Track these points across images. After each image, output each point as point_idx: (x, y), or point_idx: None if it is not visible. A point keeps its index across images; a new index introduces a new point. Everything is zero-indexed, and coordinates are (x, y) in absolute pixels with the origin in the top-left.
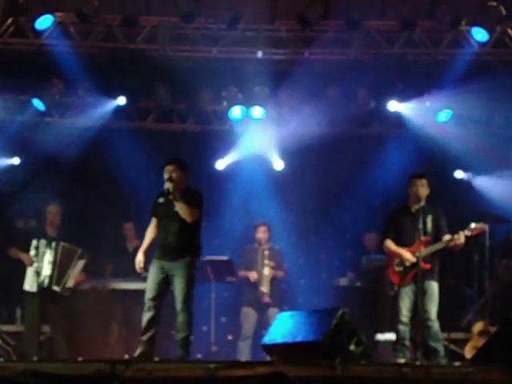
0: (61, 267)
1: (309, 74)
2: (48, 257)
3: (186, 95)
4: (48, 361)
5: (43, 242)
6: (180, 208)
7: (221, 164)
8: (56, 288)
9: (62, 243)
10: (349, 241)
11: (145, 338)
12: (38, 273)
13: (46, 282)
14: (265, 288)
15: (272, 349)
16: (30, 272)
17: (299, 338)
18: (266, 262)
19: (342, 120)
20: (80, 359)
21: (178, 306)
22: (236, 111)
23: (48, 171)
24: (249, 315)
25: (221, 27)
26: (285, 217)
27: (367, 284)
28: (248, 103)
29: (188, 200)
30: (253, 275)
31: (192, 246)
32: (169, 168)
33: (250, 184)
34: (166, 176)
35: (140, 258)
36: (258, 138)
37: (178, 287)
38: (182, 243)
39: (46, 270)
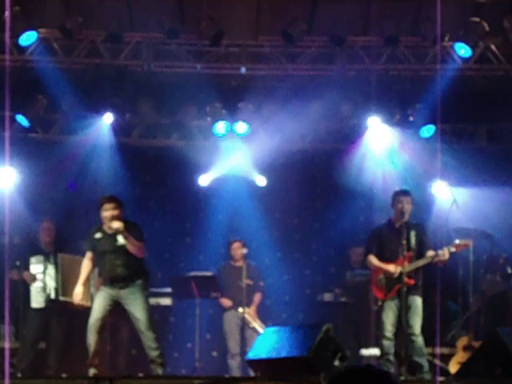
0: (65, 277)
1: (292, 89)
2: (50, 270)
3: (170, 111)
4: (32, 377)
5: (40, 257)
6: (130, 245)
7: (204, 180)
8: (63, 298)
9: (60, 254)
10: (333, 256)
11: (96, 360)
12: (43, 288)
13: (53, 294)
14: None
15: (257, 364)
16: (34, 289)
17: (284, 354)
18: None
19: (326, 136)
20: (64, 376)
21: (143, 326)
22: (220, 127)
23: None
24: (232, 332)
25: (204, 43)
26: (269, 233)
27: (351, 299)
28: (232, 119)
29: (134, 236)
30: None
31: (141, 271)
32: (109, 206)
33: (234, 200)
34: (107, 214)
35: (79, 290)
36: (242, 153)
37: (138, 309)
38: (131, 272)
39: (51, 283)
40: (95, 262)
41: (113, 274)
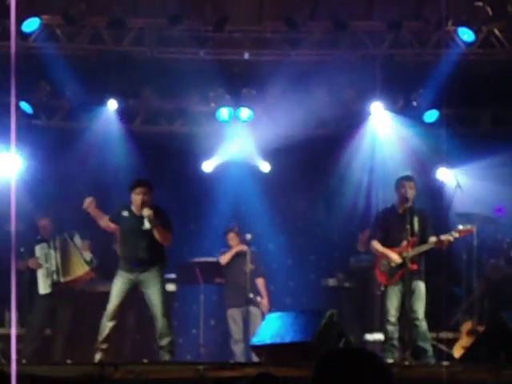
0: (63, 258)
1: (296, 74)
2: (53, 256)
3: (174, 97)
4: (37, 364)
5: (44, 245)
6: (157, 233)
7: (208, 166)
8: (63, 279)
9: (57, 237)
10: (337, 241)
11: (105, 346)
12: (48, 273)
13: (55, 277)
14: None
15: (260, 350)
16: (40, 275)
17: (288, 339)
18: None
19: (329, 121)
20: (69, 362)
21: (158, 312)
22: (224, 113)
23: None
24: (234, 317)
25: (208, 29)
26: (273, 218)
27: (355, 284)
28: (235, 104)
29: (162, 223)
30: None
31: (161, 257)
32: (142, 190)
33: (238, 185)
34: (138, 198)
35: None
36: (246, 139)
37: (156, 294)
38: (153, 256)
39: (53, 267)
40: (115, 232)
41: (134, 255)
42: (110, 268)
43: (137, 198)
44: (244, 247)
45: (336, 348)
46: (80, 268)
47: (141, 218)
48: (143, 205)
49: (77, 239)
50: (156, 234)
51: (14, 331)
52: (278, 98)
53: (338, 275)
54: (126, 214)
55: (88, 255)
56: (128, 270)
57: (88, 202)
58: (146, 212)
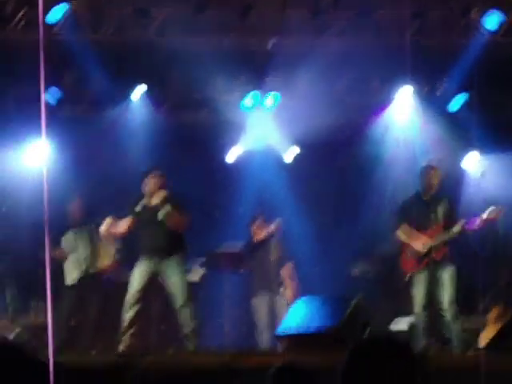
0: (91, 248)
1: (320, 62)
2: (80, 246)
3: (199, 86)
4: (63, 352)
5: (71, 234)
6: (170, 220)
7: (233, 154)
8: (93, 270)
9: (88, 227)
10: (363, 229)
11: (128, 335)
12: (76, 264)
13: (83, 267)
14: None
15: (285, 339)
16: (67, 266)
17: (313, 327)
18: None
19: (354, 108)
20: (94, 352)
21: (180, 301)
22: (248, 101)
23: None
24: (260, 305)
25: (232, 17)
26: (298, 206)
27: (382, 272)
28: (260, 93)
29: (176, 210)
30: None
31: (180, 245)
32: (153, 179)
33: (263, 173)
34: (150, 187)
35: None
36: (270, 127)
37: (177, 283)
38: (172, 245)
39: (81, 257)
40: (134, 227)
41: (153, 245)
42: (135, 257)
43: (148, 187)
44: (278, 226)
45: (362, 336)
46: (106, 259)
47: (155, 207)
48: (155, 192)
49: (101, 227)
50: (169, 221)
51: (49, 321)
52: (302, 86)
53: (365, 263)
54: (140, 205)
55: (113, 247)
56: (148, 259)
57: (107, 225)
58: (156, 199)
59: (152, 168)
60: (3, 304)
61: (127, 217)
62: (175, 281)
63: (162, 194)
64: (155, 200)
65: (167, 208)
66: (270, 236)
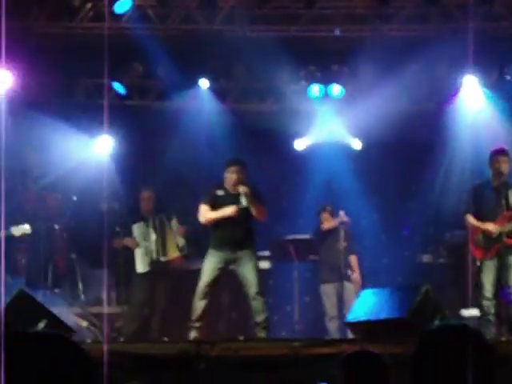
0: (161, 238)
1: (387, 50)
2: (151, 234)
3: (265, 75)
4: (134, 341)
5: (141, 223)
6: (255, 209)
7: (300, 144)
8: (163, 258)
9: (158, 217)
10: (431, 217)
11: (198, 324)
12: (147, 252)
13: (155, 256)
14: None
15: (355, 326)
16: (138, 254)
17: (383, 315)
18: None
19: (421, 96)
20: (166, 339)
21: (253, 290)
22: (315, 90)
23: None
24: (328, 293)
25: (298, 6)
26: (366, 195)
27: (450, 260)
28: (327, 82)
29: (258, 200)
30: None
31: (253, 235)
32: (236, 168)
33: (330, 163)
34: (232, 176)
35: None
36: (337, 116)
37: (250, 273)
38: (247, 234)
39: (152, 247)
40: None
41: (230, 234)
42: (205, 246)
43: (231, 176)
44: (346, 218)
45: (432, 324)
46: (173, 251)
47: (236, 196)
48: (238, 182)
49: (174, 222)
50: (254, 211)
51: (105, 310)
52: (369, 75)
53: (433, 251)
54: (221, 193)
55: (181, 241)
56: (221, 249)
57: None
58: (242, 189)
59: (234, 159)
60: (76, 293)
61: (203, 205)
62: (248, 270)
63: (245, 184)
64: (241, 189)
65: (251, 198)
66: (339, 225)
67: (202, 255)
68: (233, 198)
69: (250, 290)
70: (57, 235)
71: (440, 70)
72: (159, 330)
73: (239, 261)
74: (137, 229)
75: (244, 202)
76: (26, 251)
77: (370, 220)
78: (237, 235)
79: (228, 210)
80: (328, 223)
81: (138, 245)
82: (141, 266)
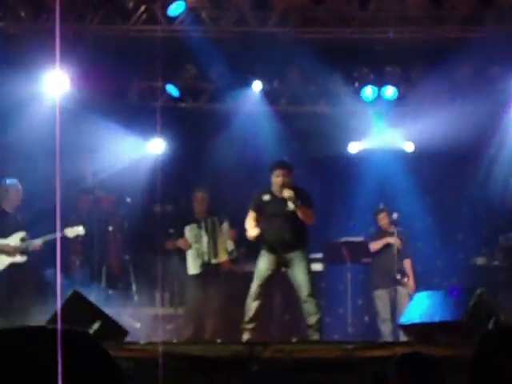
0: (213, 240)
1: (440, 52)
2: (203, 236)
3: (318, 77)
4: (188, 343)
5: (193, 225)
6: (301, 213)
7: (354, 147)
8: (215, 261)
9: (210, 219)
10: (485, 220)
11: (251, 325)
12: (199, 254)
13: (206, 258)
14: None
15: (409, 329)
16: (190, 256)
17: (437, 318)
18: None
19: (475, 98)
20: (219, 341)
21: (305, 291)
22: (368, 91)
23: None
24: (381, 297)
25: (352, 8)
26: (419, 198)
27: (505, 263)
28: (380, 83)
29: (304, 203)
30: None
31: (305, 237)
32: (281, 172)
33: (383, 165)
34: (278, 180)
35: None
36: (390, 118)
37: (302, 275)
38: (297, 237)
39: (204, 248)
40: (258, 223)
41: (279, 238)
42: (256, 248)
43: (277, 180)
44: (394, 240)
45: (487, 327)
46: (223, 254)
47: (283, 200)
48: (284, 186)
49: (225, 226)
50: (300, 214)
51: (159, 311)
52: (422, 76)
53: (487, 254)
54: (267, 197)
55: (231, 245)
56: (272, 252)
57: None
58: (287, 193)
59: (279, 162)
60: (129, 294)
61: (249, 211)
62: (299, 273)
63: (291, 187)
64: (286, 193)
65: (298, 201)
66: (390, 227)
67: (252, 258)
68: (280, 202)
69: (301, 292)
70: (110, 237)
71: (493, 72)
72: (212, 331)
73: (290, 263)
74: (189, 230)
75: (291, 205)
76: (80, 253)
77: (423, 223)
78: (286, 238)
79: (253, 232)
80: (384, 224)
81: (190, 246)
82: (193, 268)
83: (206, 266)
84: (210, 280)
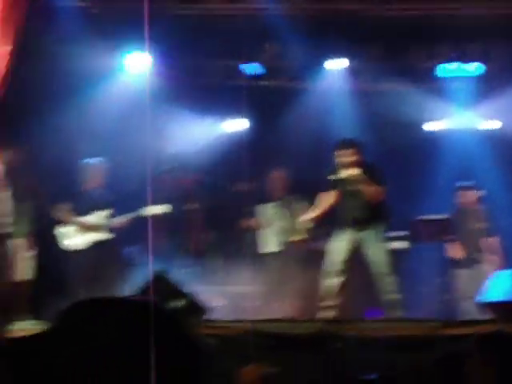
0: (289, 219)
1: None
2: (281, 215)
3: (399, 54)
4: (271, 320)
5: (271, 204)
6: (366, 191)
7: (434, 125)
8: (293, 239)
9: (286, 198)
10: None
11: (332, 303)
12: (276, 233)
13: (284, 236)
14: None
15: (492, 307)
16: (268, 234)
17: None
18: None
19: None
20: (302, 319)
21: (383, 269)
22: (449, 68)
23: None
24: (463, 276)
25: None
26: (502, 175)
27: None
28: (461, 60)
29: (373, 179)
30: None
31: (380, 215)
32: (347, 151)
33: (464, 142)
34: (344, 160)
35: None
36: (472, 95)
37: (377, 252)
38: (371, 215)
39: (282, 226)
40: (337, 200)
41: (352, 216)
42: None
43: (343, 159)
44: (477, 218)
45: None
46: (300, 234)
47: (353, 179)
48: (349, 165)
49: (302, 205)
50: (365, 192)
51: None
52: (504, 52)
53: None
54: (338, 176)
55: (307, 224)
56: (348, 230)
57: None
58: (349, 172)
59: (345, 140)
60: (213, 272)
61: (326, 187)
62: (375, 251)
63: (358, 165)
64: (348, 172)
65: (364, 179)
66: (473, 205)
67: (330, 236)
68: (348, 180)
69: (377, 269)
70: (193, 216)
71: None
72: (293, 309)
73: (366, 241)
74: (264, 211)
75: (357, 184)
76: (163, 231)
77: (506, 200)
78: (359, 216)
79: (327, 202)
80: (465, 202)
81: (262, 226)
82: (270, 246)
83: (284, 245)
84: (288, 258)
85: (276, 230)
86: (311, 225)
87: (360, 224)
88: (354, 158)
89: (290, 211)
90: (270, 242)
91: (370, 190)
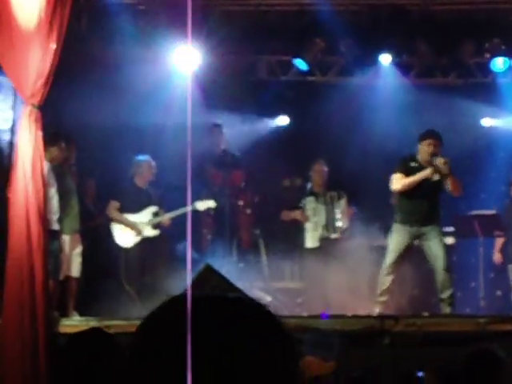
0: (330, 214)
1: None
2: (322, 210)
3: (448, 49)
4: (315, 316)
5: (312, 198)
6: (452, 183)
7: (487, 121)
8: (334, 235)
9: (328, 193)
10: None
11: (383, 299)
12: (316, 227)
13: (324, 232)
14: None
15: None
16: (308, 229)
17: None
18: None
19: None
20: (350, 315)
21: (441, 265)
22: (499, 63)
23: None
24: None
25: None
26: None
27: None
28: (511, 54)
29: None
30: None
31: (440, 211)
32: (435, 142)
33: None
34: (429, 149)
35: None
36: None
37: (438, 247)
38: (435, 209)
39: (322, 222)
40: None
41: (419, 208)
42: (386, 222)
43: (426, 148)
44: None
45: None
46: (339, 230)
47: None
48: (434, 155)
49: (343, 202)
50: (450, 184)
51: (289, 285)
52: None
53: None
54: (414, 164)
55: (345, 222)
56: (408, 224)
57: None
58: (439, 160)
59: (431, 131)
60: (260, 267)
61: (396, 173)
62: (436, 245)
63: (442, 158)
64: (438, 161)
65: (449, 171)
66: None
67: (369, 233)
68: (436, 170)
69: (437, 264)
70: (241, 211)
71: None
72: (341, 304)
73: (426, 235)
74: (308, 203)
75: (436, 175)
76: (211, 227)
77: None
78: (425, 209)
79: (424, 173)
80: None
81: (307, 219)
82: (309, 241)
83: (324, 240)
84: (327, 255)
85: (315, 225)
86: (347, 225)
87: (425, 218)
88: (438, 150)
89: (330, 207)
90: (310, 237)
91: (456, 182)
